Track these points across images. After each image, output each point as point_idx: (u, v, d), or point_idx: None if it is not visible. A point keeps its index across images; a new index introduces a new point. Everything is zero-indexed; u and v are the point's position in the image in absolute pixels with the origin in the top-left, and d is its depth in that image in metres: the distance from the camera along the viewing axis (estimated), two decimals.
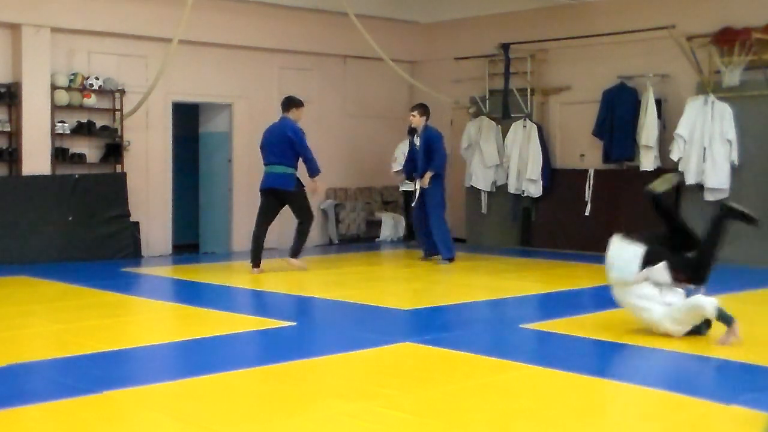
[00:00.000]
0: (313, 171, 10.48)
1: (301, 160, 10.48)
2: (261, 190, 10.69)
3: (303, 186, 10.65)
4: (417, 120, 11.35)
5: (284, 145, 10.39)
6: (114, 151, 11.83)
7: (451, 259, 11.36)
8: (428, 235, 11.53)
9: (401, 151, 13.17)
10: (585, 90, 12.94)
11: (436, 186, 11.41)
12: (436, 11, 14.58)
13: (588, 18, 12.87)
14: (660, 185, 7.04)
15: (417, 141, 11.50)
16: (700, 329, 6.54)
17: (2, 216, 10.93)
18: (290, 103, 10.63)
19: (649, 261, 6.56)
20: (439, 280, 10.31)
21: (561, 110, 13.39)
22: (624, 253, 6.63)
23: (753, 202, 11.36)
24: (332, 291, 9.29)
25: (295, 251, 10.64)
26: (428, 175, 11.28)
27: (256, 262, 10.52)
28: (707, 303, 6.34)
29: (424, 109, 11.42)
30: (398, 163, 13.32)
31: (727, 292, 9.18)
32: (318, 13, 13.48)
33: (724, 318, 6.31)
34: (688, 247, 6.89)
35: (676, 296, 6.60)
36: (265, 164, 10.60)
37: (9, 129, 11.16)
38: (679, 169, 11.68)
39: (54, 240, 11.24)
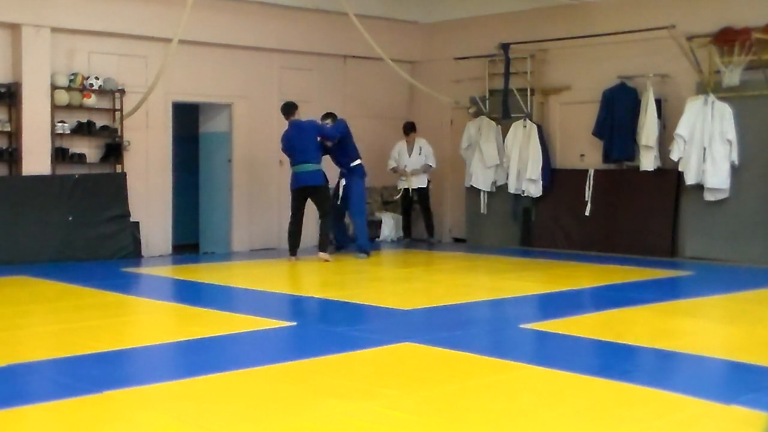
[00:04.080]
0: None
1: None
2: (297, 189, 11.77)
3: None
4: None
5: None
6: (114, 151, 11.82)
7: (367, 252, 12.00)
8: (343, 227, 12.47)
9: (397, 150, 13.94)
10: (585, 90, 12.94)
11: (359, 178, 12.27)
12: (436, 11, 14.58)
13: (588, 18, 12.87)
14: None
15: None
16: None
17: (2, 216, 10.93)
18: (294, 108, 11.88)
19: None
20: (439, 280, 10.32)
21: (561, 110, 13.39)
22: None
23: (753, 202, 11.40)
24: (332, 291, 9.29)
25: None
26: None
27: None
28: None
29: (335, 117, 12.28)
30: (393, 160, 13.96)
31: (727, 292, 9.22)
32: (318, 13, 13.47)
33: None
34: None
35: None
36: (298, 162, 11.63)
37: (9, 129, 11.15)
38: (680, 169, 11.72)
39: (54, 240, 11.24)
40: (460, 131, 14.04)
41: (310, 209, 11.97)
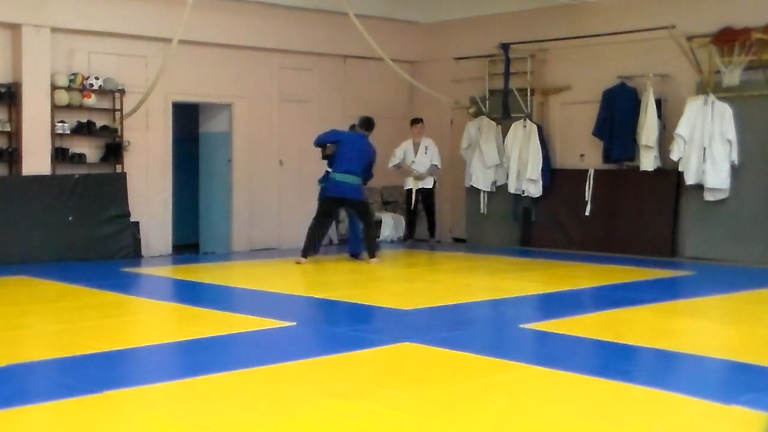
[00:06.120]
0: None
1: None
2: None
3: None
4: None
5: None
6: (114, 151, 11.82)
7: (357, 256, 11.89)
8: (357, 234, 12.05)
9: (403, 150, 13.75)
10: (585, 90, 12.94)
11: None
12: (436, 11, 14.59)
13: (588, 18, 12.87)
14: None
15: None
16: None
17: (2, 216, 10.93)
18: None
19: None
20: (439, 280, 10.32)
21: (561, 110, 13.39)
22: None
23: (753, 202, 11.40)
24: (332, 291, 9.29)
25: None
26: None
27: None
28: None
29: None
30: (396, 158, 13.81)
31: (727, 292, 9.23)
32: (318, 13, 13.47)
33: None
34: None
35: None
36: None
37: (9, 129, 11.15)
38: (680, 169, 11.72)
39: (54, 240, 11.24)
40: (460, 131, 14.04)
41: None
